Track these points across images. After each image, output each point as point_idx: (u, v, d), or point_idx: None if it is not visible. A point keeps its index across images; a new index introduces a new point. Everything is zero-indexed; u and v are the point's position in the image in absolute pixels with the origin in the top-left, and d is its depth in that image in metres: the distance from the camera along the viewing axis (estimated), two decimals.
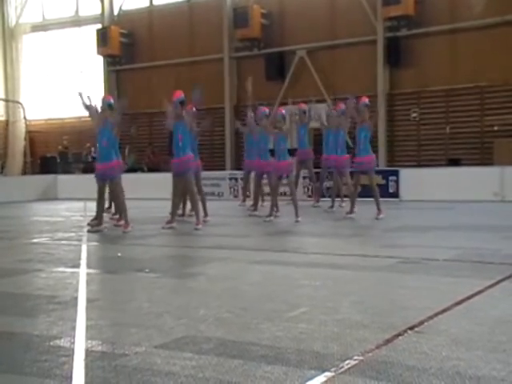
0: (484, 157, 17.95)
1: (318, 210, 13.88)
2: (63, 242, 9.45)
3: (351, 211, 11.91)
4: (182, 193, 11.22)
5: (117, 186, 10.57)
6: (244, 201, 14.92)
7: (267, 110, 13.19)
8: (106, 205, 11.89)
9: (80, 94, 11.20)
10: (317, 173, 14.94)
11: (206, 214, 11.75)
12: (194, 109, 12.42)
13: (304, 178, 16.21)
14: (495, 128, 17.84)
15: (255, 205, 13.33)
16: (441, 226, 10.32)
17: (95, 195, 10.71)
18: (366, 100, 11.89)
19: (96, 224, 10.61)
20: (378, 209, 11.48)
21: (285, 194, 16.25)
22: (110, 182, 10.62)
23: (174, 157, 10.76)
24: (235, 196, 17.79)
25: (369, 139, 11.67)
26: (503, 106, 17.89)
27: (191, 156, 10.81)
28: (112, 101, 10.79)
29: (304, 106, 15.25)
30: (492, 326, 4.16)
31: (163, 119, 11.04)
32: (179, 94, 10.58)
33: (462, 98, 18.55)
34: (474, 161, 17.89)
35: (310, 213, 13.26)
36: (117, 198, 10.87)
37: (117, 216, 11.66)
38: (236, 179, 17.87)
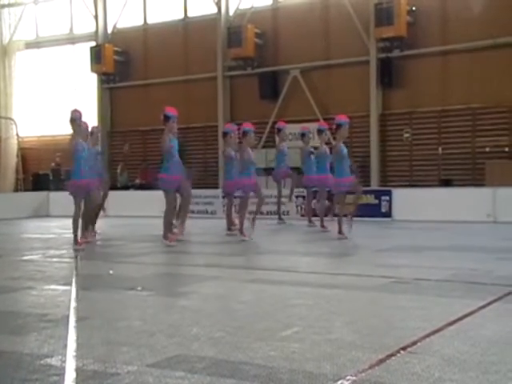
0: (475, 178, 18.03)
1: (310, 229, 13.83)
2: (55, 259, 9.40)
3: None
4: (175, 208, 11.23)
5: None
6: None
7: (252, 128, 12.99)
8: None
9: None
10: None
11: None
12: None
13: (297, 197, 16.19)
14: (487, 149, 17.94)
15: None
16: (434, 246, 10.32)
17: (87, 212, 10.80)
18: (343, 119, 11.57)
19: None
20: (341, 231, 11.43)
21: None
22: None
23: (168, 172, 10.73)
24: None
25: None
26: (495, 127, 18.02)
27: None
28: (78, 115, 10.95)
29: (283, 125, 15.06)
30: (484, 346, 4.15)
31: (157, 136, 11.05)
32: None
33: (454, 120, 18.68)
34: (466, 182, 17.97)
35: (301, 232, 13.25)
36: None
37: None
38: None
